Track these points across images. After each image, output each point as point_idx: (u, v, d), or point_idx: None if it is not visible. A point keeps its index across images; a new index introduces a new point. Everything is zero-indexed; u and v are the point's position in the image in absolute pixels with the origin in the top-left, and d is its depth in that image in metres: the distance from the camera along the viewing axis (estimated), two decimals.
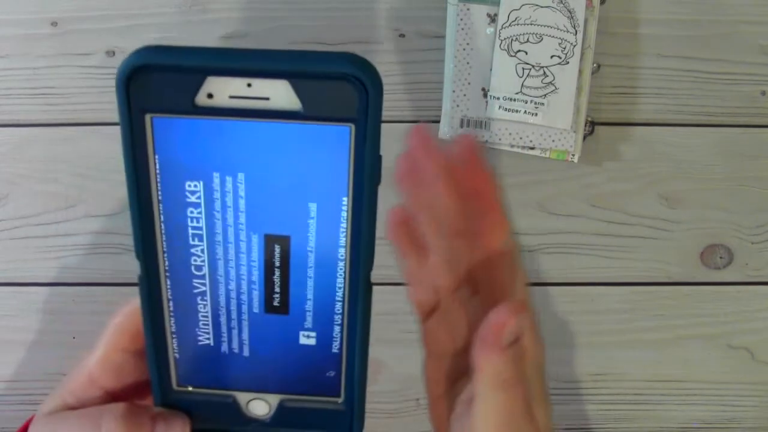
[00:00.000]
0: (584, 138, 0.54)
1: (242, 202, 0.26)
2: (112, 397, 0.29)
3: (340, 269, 0.27)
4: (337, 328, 0.28)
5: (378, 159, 0.25)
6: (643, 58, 0.55)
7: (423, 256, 0.32)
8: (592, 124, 0.55)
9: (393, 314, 0.54)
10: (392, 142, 0.59)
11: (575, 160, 0.54)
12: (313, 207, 0.26)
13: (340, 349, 0.28)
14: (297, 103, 0.24)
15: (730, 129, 0.56)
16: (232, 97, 0.23)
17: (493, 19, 0.52)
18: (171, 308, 0.28)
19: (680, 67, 0.55)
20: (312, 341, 0.28)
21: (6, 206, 0.55)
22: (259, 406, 0.29)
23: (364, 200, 0.26)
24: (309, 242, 0.26)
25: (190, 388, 0.29)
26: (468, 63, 0.53)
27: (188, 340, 0.28)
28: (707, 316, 0.58)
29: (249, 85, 0.23)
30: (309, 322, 0.28)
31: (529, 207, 0.56)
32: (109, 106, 0.55)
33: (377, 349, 0.57)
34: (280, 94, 0.23)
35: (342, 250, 0.26)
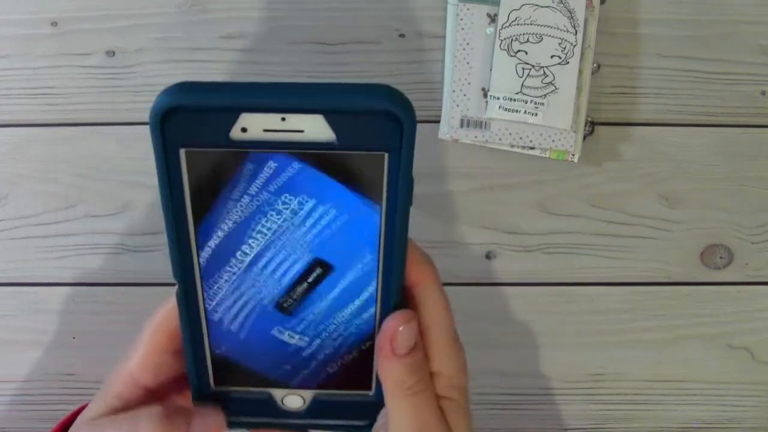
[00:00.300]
0: (584, 138, 0.54)
1: (281, 229, 0.26)
2: (153, 394, 0.30)
3: (374, 283, 0.27)
4: (370, 332, 0.28)
5: (411, 183, 0.25)
6: (643, 58, 0.55)
7: None
8: (592, 124, 0.55)
9: None
10: None
11: (575, 160, 0.54)
12: (347, 227, 0.26)
13: (371, 346, 0.29)
14: (331, 135, 0.24)
15: (730, 129, 0.56)
16: (266, 130, 0.24)
17: (493, 19, 0.52)
18: (206, 317, 0.29)
19: (680, 67, 0.55)
20: (343, 341, 0.29)
21: (6, 206, 0.55)
22: (294, 401, 0.30)
23: (396, 221, 0.26)
24: (346, 258, 0.27)
25: (227, 387, 0.30)
26: (468, 63, 0.53)
27: (223, 343, 0.29)
28: (707, 316, 0.58)
29: (283, 119, 0.23)
30: (343, 325, 0.28)
31: (529, 207, 0.56)
32: (110, 106, 0.55)
33: None
34: (314, 126, 0.24)
35: (376, 265, 0.27)
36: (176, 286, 0.28)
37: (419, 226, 0.56)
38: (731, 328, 0.58)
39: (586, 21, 0.52)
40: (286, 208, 0.26)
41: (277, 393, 0.30)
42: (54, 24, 0.54)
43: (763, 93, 0.55)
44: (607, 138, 0.55)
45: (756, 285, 0.58)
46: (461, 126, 0.53)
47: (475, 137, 0.53)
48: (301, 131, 0.24)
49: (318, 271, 0.27)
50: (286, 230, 0.26)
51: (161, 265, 0.55)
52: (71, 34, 0.54)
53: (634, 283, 0.57)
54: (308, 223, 0.26)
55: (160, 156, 0.24)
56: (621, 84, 0.55)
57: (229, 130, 0.24)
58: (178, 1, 0.54)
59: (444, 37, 0.54)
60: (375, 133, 0.24)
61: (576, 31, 0.52)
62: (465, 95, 0.53)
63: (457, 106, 0.53)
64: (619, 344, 0.58)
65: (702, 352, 0.58)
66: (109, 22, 0.54)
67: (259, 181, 0.25)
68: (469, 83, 0.53)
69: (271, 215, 0.26)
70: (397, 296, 0.27)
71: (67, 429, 0.31)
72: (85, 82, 0.54)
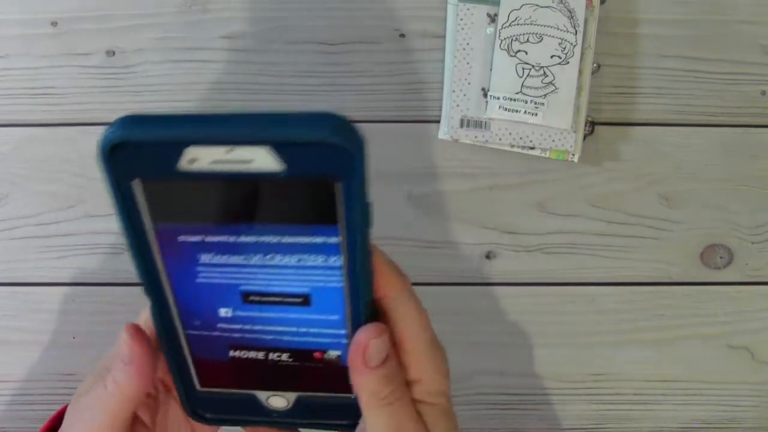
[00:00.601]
0: (584, 138, 0.54)
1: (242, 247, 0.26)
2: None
3: (341, 300, 0.28)
4: (343, 345, 0.29)
5: (367, 206, 0.25)
6: (643, 58, 0.55)
7: None
8: (592, 124, 0.55)
9: None
10: (393, 141, 0.60)
11: (575, 160, 0.54)
12: (310, 251, 0.26)
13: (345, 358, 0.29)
14: (279, 166, 0.23)
15: (730, 129, 0.56)
16: (214, 162, 0.24)
17: (493, 19, 0.52)
18: (183, 329, 0.29)
19: (680, 67, 0.55)
20: (321, 355, 0.29)
21: (6, 206, 0.55)
22: (279, 401, 0.31)
23: (357, 242, 0.26)
24: (312, 282, 0.27)
25: (212, 389, 0.31)
26: (468, 63, 0.53)
27: (204, 351, 0.30)
28: (707, 316, 0.58)
29: (229, 151, 0.23)
30: (317, 341, 0.29)
31: (529, 207, 0.56)
32: (110, 106, 0.55)
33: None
34: (261, 157, 0.23)
35: (342, 285, 0.27)
36: (149, 303, 0.28)
37: (419, 226, 0.56)
38: (731, 328, 0.58)
39: (586, 21, 0.52)
40: (247, 233, 0.26)
41: (261, 394, 0.31)
42: (54, 24, 0.54)
43: (763, 93, 0.55)
44: (607, 138, 0.55)
45: (756, 285, 0.58)
46: (461, 126, 0.53)
47: (475, 137, 0.53)
48: (250, 161, 0.23)
49: (285, 290, 0.28)
50: (250, 254, 0.27)
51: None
52: (71, 34, 0.54)
53: (634, 283, 0.57)
54: (271, 246, 0.26)
55: (113, 188, 0.25)
56: (621, 84, 0.55)
57: (177, 162, 0.24)
58: (178, 1, 0.54)
59: (444, 37, 0.54)
60: (323, 163, 0.23)
61: (576, 31, 0.52)
62: (465, 95, 0.53)
63: (457, 106, 0.53)
64: (619, 344, 0.58)
65: (702, 352, 0.58)
66: (109, 22, 0.54)
67: (216, 208, 0.25)
68: (469, 83, 0.53)
69: (233, 238, 0.26)
70: (367, 311, 0.28)
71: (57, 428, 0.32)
72: (85, 82, 0.54)
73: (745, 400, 0.59)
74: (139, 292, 0.28)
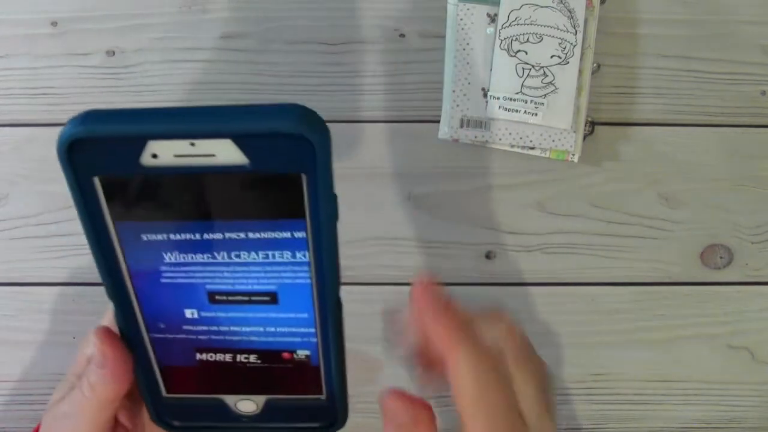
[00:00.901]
0: (584, 138, 0.54)
1: (205, 243, 0.26)
2: None
3: (309, 296, 0.27)
4: (312, 344, 0.28)
5: (333, 198, 0.24)
6: (643, 58, 0.55)
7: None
8: (592, 124, 0.55)
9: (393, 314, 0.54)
10: (393, 141, 0.59)
11: (575, 160, 0.54)
12: (277, 247, 0.26)
13: (318, 358, 0.29)
14: (243, 159, 0.23)
15: (730, 129, 0.56)
16: (177, 155, 0.23)
17: (493, 19, 0.52)
18: (148, 333, 0.28)
19: (680, 67, 0.55)
20: (290, 356, 0.29)
21: (6, 206, 0.55)
22: (247, 405, 0.30)
23: (323, 236, 0.25)
24: (279, 279, 0.27)
25: (179, 395, 0.30)
26: (468, 63, 0.53)
27: (169, 356, 0.29)
28: (707, 316, 0.58)
29: (192, 144, 0.23)
30: (285, 341, 0.28)
31: (529, 207, 0.56)
32: (110, 107, 0.55)
33: (377, 349, 0.57)
34: (224, 150, 0.23)
35: (309, 281, 0.27)
36: (112, 306, 0.28)
37: (419, 226, 0.56)
38: (731, 328, 0.58)
39: (586, 21, 0.52)
40: (212, 229, 0.25)
41: (230, 399, 0.30)
42: (54, 24, 0.54)
43: (763, 93, 0.55)
44: (607, 138, 0.55)
45: (756, 285, 0.58)
46: (461, 126, 0.53)
47: (475, 137, 0.53)
48: (213, 155, 0.23)
49: (251, 288, 0.27)
50: (216, 251, 0.26)
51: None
52: (71, 34, 0.54)
53: (634, 283, 0.57)
54: (237, 242, 0.26)
55: (73, 186, 0.25)
56: (621, 84, 0.55)
57: (139, 157, 0.23)
58: (178, 1, 0.54)
59: (444, 37, 0.54)
60: (288, 155, 0.23)
61: (576, 31, 0.52)
62: (465, 95, 0.53)
63: (457, 106, 0.53)
64: (619, 344, 0.58)
65: (702, 352, 0.58)
66: (109, 22, 0.54)
67: (179, 205, 0.25)
68: (469, 83, 0.53)
69: (198, 236, 0.25)
70: (335, 308, 0.27)
71: None
72: (85, 82, 0.54)
73: (745, 400, 0.59)
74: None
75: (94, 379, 0.28)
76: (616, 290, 0.57)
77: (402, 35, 0.54)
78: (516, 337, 0.28)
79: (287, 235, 0.25)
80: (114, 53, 0.54)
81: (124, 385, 0.28)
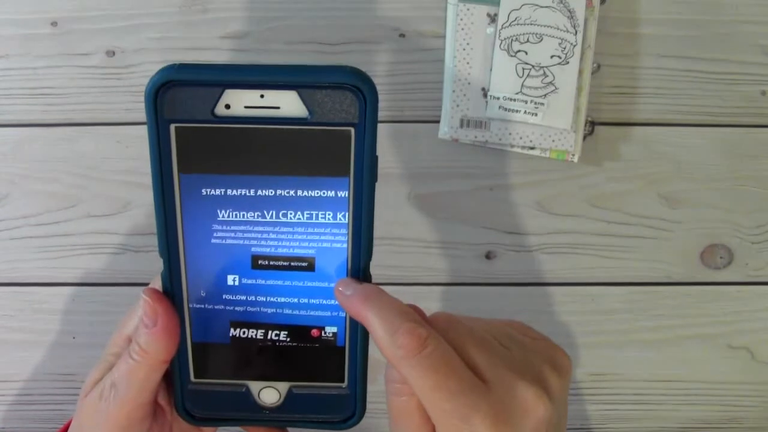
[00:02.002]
0: (584, 138, 0.54)
1: (259, 205, 0.29)
2: None
3: (344, 263, 0.29)
4: (341, 319, 0.30)
5: (375, 159, 0.28)
6: (643, 58, 0.55)
7: None
8: (592, 124, 0.55)
9: None
10: (393, 141, 0.59)
11: (575, 160, 0.54)
12: (320, 206, 0.29)
13: (344, 338, 0.30)
14: (304, 111, 0.27)
15: (730, 129, 0.56)
16: (247, 107, 0.27)
17: (493, 19, 0.52)
18: (188, 298, 0.30)
19: (680, 67, 0.55)
20: (318, 333, 0.30)
21: (6, 206, 0.55)
22: (270, 395, 0.31)
23: (363, 197, 0.28)
24: (319, 242, 0.29)
25: (206, 380, 0.31)
26: (468, 63, 0.53)
27: (205, 331, 0.30)
28: (707, 316, 0.58)
29: (262, 96, 0.27)
30: (316, 315, 0.30)
31: (529, 207, 0.56)
32: (109, 107, 0.55)
33: (377, 348, 0.57)
34: (289, 103, 0.27)
35: (346, 246, 0.29)
36: (161, 268, 0.30)
37: (419, 226, 0.56)
38: (731, 328, 0.58)
39: (586, 21, 0.52)
40: (265, 185, 0.28)
41: (254, 386, 0.31)
42: (54, 24, 0.54)
43: (763, 93, 0.55)
44: (607, 138, 0.55)
45: (756, 285, 0.58)
46: (461, 126, 0.53)
47: (475, 137, 0.53)
48: (278, 107, 0.27)
49: (292, 252, 0.29)
50: (263, 209, 0.29)
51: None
52: (71, 34, 0.54)
53: (634, 283, 0.57)
54: (285, 200, 0.28)
55: (153, 131, 0.27)
56: (621, 84, 0.55)
57: (214, 107, 0.27)
58: (178, 1, 0.54)
59: (444, 37, 0.54)
60: (342, 108, 0.27)
61: (576, 31, 0.52)
62: (465, 95, 0.53)
63: (457, 106, 0.53)
64: (619, 344, 0.58)
65: (702, 352, 0.58)
66: (109, 22, 0.54)
67: (240, 158, 0.28)
68: (469, 83, 0.53)
69: (251, 191, 0.28)
70: (366, 277, 0.29)
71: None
72: (85, 82, 0.54)
73: (745, 400, 0.59)
74: (139, 292, 0.29)
75: (144, 340, 0.29)
76: (616, 290, 0.57)
77: (402, 35, 0.54)
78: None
79: (331, 193, 0.28)
80: (114, 53, 0.54)
81: (174, 344, 0.29)
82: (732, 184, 0.56)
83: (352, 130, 0.27)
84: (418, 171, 0.55)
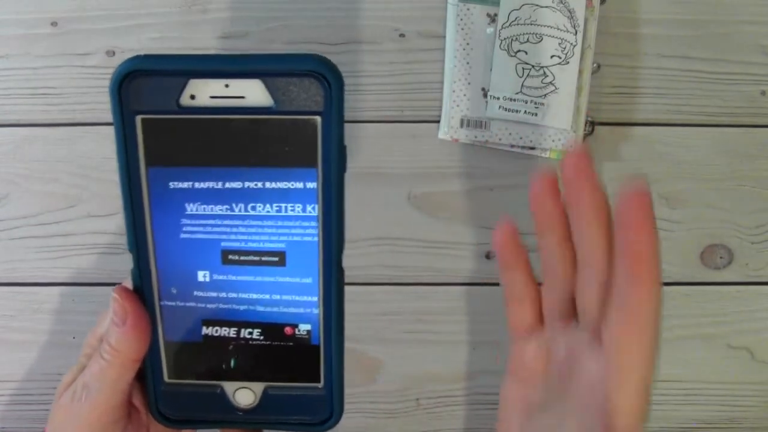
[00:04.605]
0: (584, 138, 0.54)
1: (226, 198, 0.28)
2: None
3: (315, 257, 0.29)
4: (314, 317, 0.29)
5: (343, 148, 0.28)
6: (643, 58, 0.55)
7: (528, 273, 0.31)
8: (592, 124, 0.55)
9: (393, 314, 0.54)
10: (393, 141, 0.59)
11: None
12: (289, 198, 0.28)
13: (318, 336, 0.30)
14: (269, 100, 0.26)
15: (730, 129, 0.56)
16: (212, 97, 0.26)
17: (493, 19, 0.52)
18: (160, 301, 0.30)
19: (680, 67, 0.55)
20: (292, 331, 0.30)
21: (6, 206, 0.55)
22: (245, 396, 0.30)
23: (332, 188, 0.28)
24: (289, 235, 0.29)
25: (180, 381, 0.31)
26: (468, 63, 0.53)
27: (177, 329, 0.30)
28: (707, 316, 0.58)
29: (227, 85, 0.26)
30: (289, 312, 0.29)
31: (529, 207, 0.56)
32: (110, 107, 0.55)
33: (377, 348, 0.57)
34: (254, 92, 0.26)
35: (317, 240, 0.29)
36: (131, 266, 0.29)
37: (419, 226, 0.56)
38: (731, 328, 0.58)
39: (586, 21, 0.52)
40: (233, 177, 0.28)
41: (229, 387, 0.30)
42: (54, 24, 0.54)
43: (763, 93, 0.55)
44: (607, 138, 0.55)
45: (756, 285, 0.58)
46: (461, 126, 0.53)
47: (475, 137, 0.53)
48: (243, 97, 0.26)
49: (262, 247, 0.29)
50: (232, 202, 0.28)
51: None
52: (71, 34, 0.54)
53: None
54: (253, 192, 0.28)
55: (118, 123, 0.27)
56: (621, 84, 0.55)
57: (179, 97, 0.26)
58: (178, 1, 0.54)
59: (444, 37, 0.54)
60: (307, 97, 0.27)
61: (576, 31, 0.52)
62: (465, 95, 0.53)
63: (457, 106, 0.53)
64: None
65: (702, 352, 0.58)
66: (109, 22, 0.54)
67: (205, 149, 0.27)
68: (469, 83, 0.53)
69: (219, 184, 0.28)
70: (336, 276, 0.29)
71: None
72: (85, 82, 0.54)
73: (745, 400, 0.59)
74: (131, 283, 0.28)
75: (114, 339, 0.28)
76: None
77: (402, 35, 0.54)
78: None
79: (300, 185, 0.28)
80: (114, 53, 0.54)
81: (145, 342, 0.29)
82: (732, 184, 0.56)
83: (319, 119, 0.27)
84: (418, 171, 0.55)
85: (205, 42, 0.54)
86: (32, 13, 0.54)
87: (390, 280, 0.56)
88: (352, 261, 0.55)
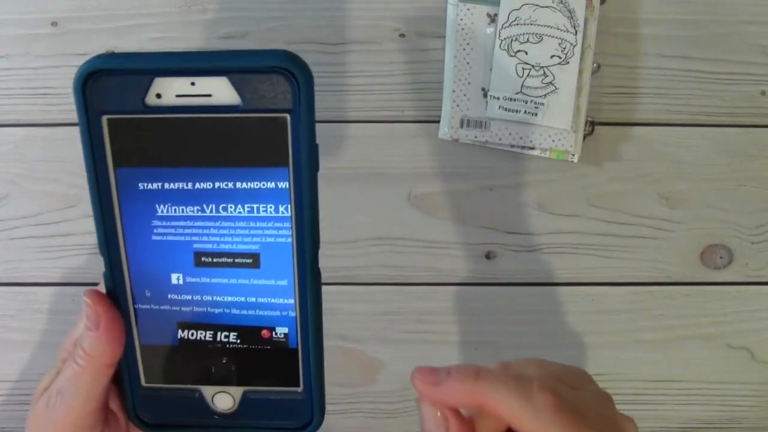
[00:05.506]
0: (584, 138, 0.54)
1: (197, 198, 0.27)
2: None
3: (289, 259, 0.28)
4: (291, 320, 0.29)
5: (315, 147, 0.27)
6: (643, 58, 0.55)
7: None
8: (592, 124, 0.55)
9: (393, 314, 0.54)
10: (393, 141, 0.59)
11: (575, 160, 0.54)
12: (261, 199, 0.28)
13: (296, 339, 0.29)
14: (236, 98, 0.26)
15: (730, 129, 0.56)
16: (178, 96, 0.26)
17: (493, 19, 0.52)
18: (134, 304, 0.29)
19: (680, 67, 0.55)
20: (269, 334, 0.29)
21: (6, 206, 0.55)
22: (224, 400, 0.30)
23: (304, 188, 0.27)
24: (262, 237, 0.28)
25: (158, 385, 0.30)
26: (468, 63, 0.53)
27: (153, 333, 0.29)
28: (707, 316, 0.58)
29: (193, 83, 0.26)
30: (265, 315, 0.29)
31: (529, 207, 0.56)
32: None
33: (377, 348, 0.57)
34: (220, 90, 0.26)
35: (290, 241, 0.28)
36: (103, 270, 0.29)
37: (419, 226, 0.56)
38: (731, 328, 0.58)
39: (586, 21, 0.52)
40: (203, 178, 0.27)
41: (207, 391, 0.30)
42: (54, 24, 0.54)
43: (763, 93, 0.55)
44: (607, 138, 0.55)
45: (756, 285, 0.58)
46: (461, 126, 0.53)
47: (475, 137, 0.53)
48: (209, 95, 0.26)
49: (235, 248, 0.28)
50: (203, 203, 0.28)
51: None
52: (71, 34, 0.54)
53: (634, 283, 0.57)
54: (225, 193, 0.27)
55: (84, 124, 0.26)
56: (621, 84, 0.55)
57: (145, 96, 0.26)
58: (178, 1, 0.54)
59: (444, 37, 0.54)
60: (276, 94, 0.26)
61: (576, 31, 0.52)
62: (465, 95, 0.53)
63: (457, 106, 0.53)
64: (619, 344, 0.58)
65: (702, 352, 0.58)
66: (109, 22, 0.54)
67: (172, 148, 0.27)
68: (469, 83, 0.53)
69: (189, 185, 0.27)
70: (312, 277, 0.28)
71: None
72: None
73: (745, 400, 0.59)
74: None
75: (87, 344, 0.28)
76: (616, 290, 0.57)
77: (402, 35, 0.54)
78: (545, 365, 0.28)
79: (271, 185, 0.27)
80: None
81: (118, 347, 0.28)
82: (732, 184, 0.56)
83: (288, 116, 0.26)
84: (418, 171, 0.55)
85: (205, 42, 0.54)
86: (32, 13, 0.54)
87: (390, 280, 0.56)
88: (352, 261, 0.55)
